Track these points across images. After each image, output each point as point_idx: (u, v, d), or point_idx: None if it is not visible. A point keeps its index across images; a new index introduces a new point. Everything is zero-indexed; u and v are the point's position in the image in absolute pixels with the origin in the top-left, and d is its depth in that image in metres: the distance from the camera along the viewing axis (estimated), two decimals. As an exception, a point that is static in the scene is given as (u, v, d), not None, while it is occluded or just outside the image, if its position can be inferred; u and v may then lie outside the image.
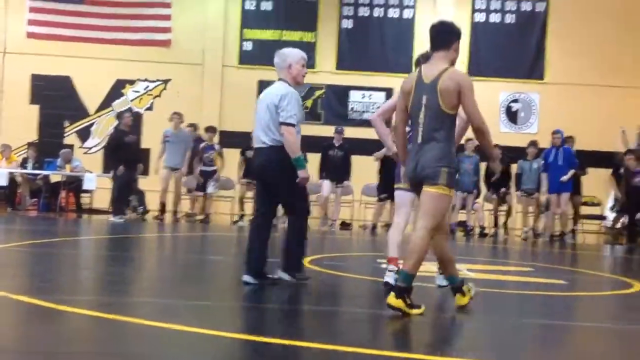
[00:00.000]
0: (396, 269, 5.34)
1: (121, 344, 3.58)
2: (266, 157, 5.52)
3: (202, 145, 13.47)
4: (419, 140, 4.62)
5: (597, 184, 13.71)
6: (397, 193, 5.79)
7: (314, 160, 13.44)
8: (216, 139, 14.05)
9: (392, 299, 4.41)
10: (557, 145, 12.86)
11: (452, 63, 4.75)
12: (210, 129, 13.76)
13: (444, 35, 4.81)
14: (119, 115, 13.47)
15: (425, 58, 5.18)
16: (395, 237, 5.63)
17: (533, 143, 13.43)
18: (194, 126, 13.82)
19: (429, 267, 6.80)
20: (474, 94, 4.57)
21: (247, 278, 5.51)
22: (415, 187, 4.72)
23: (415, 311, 4.47)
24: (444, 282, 5.60)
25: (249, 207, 13.43)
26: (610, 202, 15.11)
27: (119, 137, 12.78)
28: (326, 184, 13.34)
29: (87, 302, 4.64)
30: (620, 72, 16.23)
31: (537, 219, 13.34)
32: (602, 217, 14.74)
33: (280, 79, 5.75)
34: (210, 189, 13.32)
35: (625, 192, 13.11)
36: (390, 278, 5.36)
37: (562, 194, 12.74)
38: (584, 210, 14.02)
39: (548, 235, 12.93)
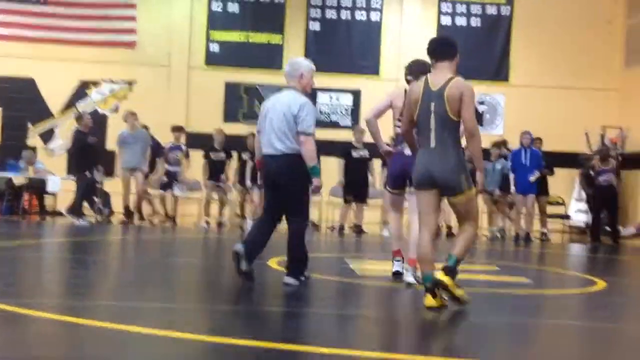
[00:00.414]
0: (400, 259, 6.15)
1: (85, 348, 3.53)
2: (282, 164, 5.70)
3: (168, 145, 13.24)
4: (432, 145, 4.98)
5: (561, 184, 13.90)
6: (391, 196, 6.37)
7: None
8: (183, 139, 13.80)
9: (443, 275, 4.80)
10: (526, 145, 13.01)
11: (455, 73, 5.15)
12: (177, 129, 13.49)
13: (448, 48, 5.24)
14: (78, 118, 13.22)
15: (417, 65, 6.01)
16: (399, 231, 6.33)
17: (498, 144, 13.54)
18: (145, 127, 13.48)
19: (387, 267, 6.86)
20: (474, 103, 5.02)
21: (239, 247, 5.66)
22: (422, 187, 5.03)
23: (459, 292, 4.90)
24: (412, 280, 5.67)
25: (215, 209, 13.36)
26: (574, 202, 15.37)
27: (81, 139, 12.61)
28: None
29: (50, 306, 4.57)
30: (580, 74, 16.50)
31: (504, 219, 13.45)
32: (566, 217, 14.95)
33: (290, 87, 5.91)
34: (177, 190, 13.11)
35: (592, 191, 13.32)
36: (398, 266, 6.15)
37: (528, 195, 12.90)
38: (549, 210, 14.19)
39: (514, 235, 13.09)
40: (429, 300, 4.82)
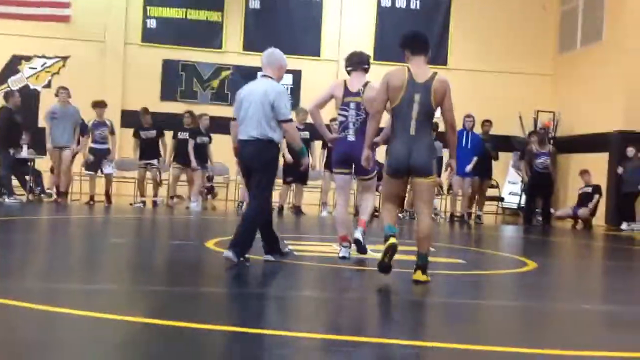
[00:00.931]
0: (348, 244, 6.50)
1: (16, 330, 3.44)
2: (254, 149, 5.95)
3: (92, 122, 12.59)
4: (412, 132, 5.34)
5: (495, 167, 14.16)
6: (338, 177, 6.78)
7: (229, 142, 13.18)
8: (107, 115, 13.00)
9: (420, 275, 5.33)
10: (469, 128, 13.19)
11: None
12: (99, 104, 12.64)
13: (425, 44, 5.65)
14: (7, 95, 12.78)
15: (357, 57, 6.62)
16: (344, 217, 6.73)
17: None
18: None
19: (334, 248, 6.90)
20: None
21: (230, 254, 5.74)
22: (399, 173, 5.43)
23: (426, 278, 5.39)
24: (347, 254, 6.44)
25: (150, 189, 13.10)
26: (507, 185, 15.73)
27: (11, 117, 12.24)
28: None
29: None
30: (515, 59, 16.85)
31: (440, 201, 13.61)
32: (500, 199, 15.30)
33: (265, 75, 6.14)
34: (107, 169, 12.60)
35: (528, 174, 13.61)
36: (345, 252, 6.49)
37: (465, 177, 13.12)
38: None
39: (448, 216, 13.34)
40: (419, 275, 5.36)
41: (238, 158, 6.25)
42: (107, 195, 12.56)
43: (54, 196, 12.53)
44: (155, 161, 13.01)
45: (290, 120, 6.07)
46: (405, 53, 5.59)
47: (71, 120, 12.41)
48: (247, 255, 5.89)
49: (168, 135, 13.19)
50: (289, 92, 16.69)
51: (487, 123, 13.69)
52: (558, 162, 15.18)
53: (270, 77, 6.10)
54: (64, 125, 12.33)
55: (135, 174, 13.15)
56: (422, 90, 5.35)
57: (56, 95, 12.64)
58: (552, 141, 14.70)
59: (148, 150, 12.96)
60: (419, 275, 5.36)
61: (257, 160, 5.96)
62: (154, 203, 12.99)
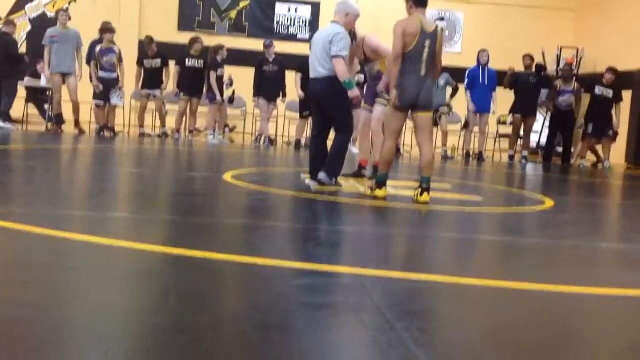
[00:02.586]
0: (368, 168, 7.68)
1: (34, 255, 3.48)
2: (323, 86, 6.67)
3: (98, 47, 12.01)
4: (422, 73, 6.17)
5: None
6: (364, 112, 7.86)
7: (247, 75, 13.10)
8: (122, 45, 12.74)
9: (426, 197, 6.16)
10: (484, 63, 12.96)
11: None
12: (107, 30, 12.04)
13: None
14: (7, 23, 12.66)
15: None
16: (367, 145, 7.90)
17: None
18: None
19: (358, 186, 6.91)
20: None
21: (311, 183, 6.75)
22: (407, 107, 6.25)
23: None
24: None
25: (150, 120, 13.00)
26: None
27: (14, 45, 12.32)
28: (263, 104, 12.98)
29: (-2, 215, 4.48)
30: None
31: (445, 138, 13.38)
32: (520, 137, 15.15)
33: (334, 21, 6.80)
34: (114, 99, 12.08)
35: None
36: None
37: (483, 113, 12.98)
38: (501, 130, 14.36)
39: (466, 152, 13.26)
40: (425, 197, 6.16)
41: (309, 95, 7.05)
42: (110, 126, 12.23)
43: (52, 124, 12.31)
44: (158, 91, 12.80)
45: (339, 56, 6.54)
46: (409, 4, 6.27)
47: (72, 43, 11.99)
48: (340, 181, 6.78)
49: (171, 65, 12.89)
50: (307, 24, 16.53)
51: (527, 58, 13.27)
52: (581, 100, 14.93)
53: (337, 23, 6.74)
54: (65, 49, 11.94)
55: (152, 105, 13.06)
56: (431, 38, 6.17)
57: (56, 18, 12.42)
58: (575, 78, 14.41)
59: (151, 79, 12.74)
60: (425, 197, 6.15)
61: (326, 95, 6.66)
62: (164, 134, 12.84)
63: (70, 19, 12.23)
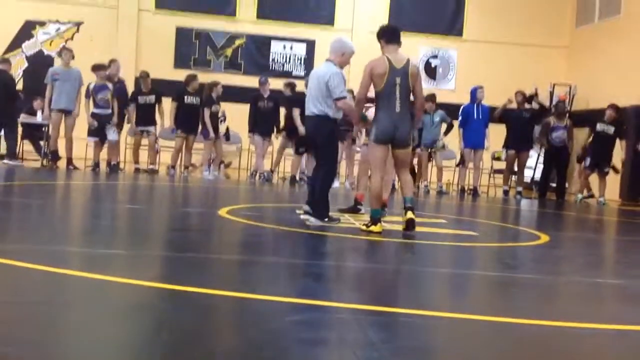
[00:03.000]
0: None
1: (26, 292, 3.45)
2: (312, 124, 6.95)
3: (92, 85, 12.08)
4: (397, 109, 6.36)
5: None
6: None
7: (242, 111, 13.16)
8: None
9: (411, 214, 6.33)
10: (479, 100, 13.03)
11: None
12: (99, 67, 12.15)
13: (398, 35, 6.56)
14: (2, 61, 12.78)
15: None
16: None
17: (431, 97, 13.22)
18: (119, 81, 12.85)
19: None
20: None
21: (308, 219, 6.80)
22: (385, 142, 6.45)
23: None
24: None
25: (144, 155, 12.98)
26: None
27: (12, 82, 12.52)
28: (258, 140, 13.02)
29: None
30: (533, 31, 16.68)
31: (440, 173, 13.40)
32: (514, 172, 15.19)
33: (328, 60, 6.93)
34: (111, 135, 12.17)
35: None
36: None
37: (477, 149, 13.05)
38: (496, 165, 14.43)
39: (459, 189, 13.28)
40: (410, 214, 6.34)
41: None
42: (109, 162, 12.31)
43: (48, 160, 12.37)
44: (152, 128, 12.79)
45: (343, 97, 6.72)
46: (381, 43, 6.50)
47: (73, 82, 12.16)
48: (333, 215, 6.91)
49: (166, 101, 12.90)
50: (302, 62, 16.68)
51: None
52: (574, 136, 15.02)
53: (332, 62, 6.85)
54: (66, 87, 12.10)
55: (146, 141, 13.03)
56: (402, 74, 6.34)
57: (59, 55, 12.54)
58: (567, 114, 14.52)
59: (145, 116, 12.74)
60: (409, 214, 6.33)
61: (317, 133, 6.88)
62: (152, 171, 12.76)
63: (73, 57, 12.35)
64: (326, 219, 6.74)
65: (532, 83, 15.31)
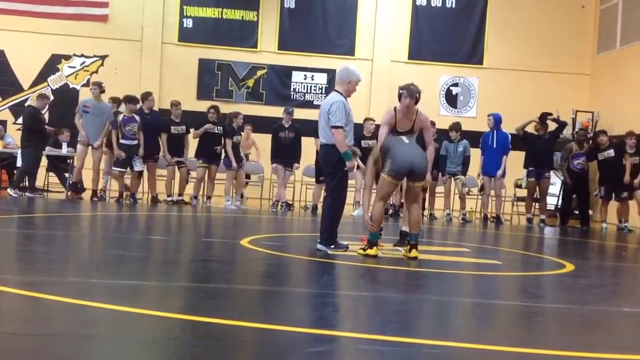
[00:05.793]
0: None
1: (51, 324, 3.48)
2: (322, 153, 7.12)
3: (121, 117, 12.28)
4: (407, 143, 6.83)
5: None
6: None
7: (264, 141, 13.21)
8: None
9: (414, 252, 6.58)
10: (490, 127, 13.02)
11: None
12: (131, 99, 12.36)
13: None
14: (39, 96, 13.02)
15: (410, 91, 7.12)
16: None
17: (455, 126, 13.15)
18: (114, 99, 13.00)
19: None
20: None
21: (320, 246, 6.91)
22: (403, 176, 6.76)
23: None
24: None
25: (175, 187, 13.04)
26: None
27: (35, 116, 12.70)
28: (280, 169, 13.05)
29: (13, 282, 4.49)
30: (554, 58, 16.64)
31: (463, 202, 13.32)
32: (536, 200, 15.07)
33: (335, 90, 7.10)
34: (137, 166, 12.36)
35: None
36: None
37: (494, 177, 12.94)
38: (518, 193, 14.32)
39: (482, 217, 13.17)
40: (414, 253, 6.59)
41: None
42: (133, 193, 12.49)
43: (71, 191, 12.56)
44: (183, 158, 12.92)
45: (337, 127, 6.80)
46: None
47: (103, 116, 12.42)
48: (343, 243, 6.96)
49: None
50: (323, 91, 16.76)
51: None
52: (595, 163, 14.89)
53: (339, 92, 6.97)
54: (96, 121, 12.37)
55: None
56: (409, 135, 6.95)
57: (90, 89, 12.78)
58: (590, 142, 14.41)
59: (178, 146, 12.84)
60: (414, 253, 6.58)
61: (325, 162, 7.03)
62: (181, 201, 12.83)
63: (104, 91, 12.60)
64: (332, 246, 6.83)
65: (554, 110, 15.25)
